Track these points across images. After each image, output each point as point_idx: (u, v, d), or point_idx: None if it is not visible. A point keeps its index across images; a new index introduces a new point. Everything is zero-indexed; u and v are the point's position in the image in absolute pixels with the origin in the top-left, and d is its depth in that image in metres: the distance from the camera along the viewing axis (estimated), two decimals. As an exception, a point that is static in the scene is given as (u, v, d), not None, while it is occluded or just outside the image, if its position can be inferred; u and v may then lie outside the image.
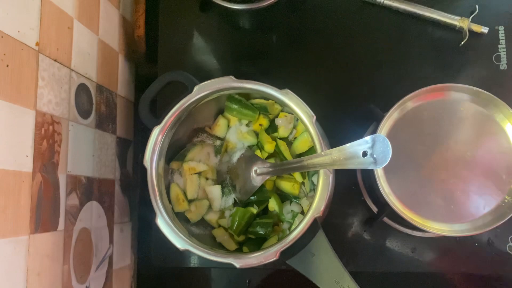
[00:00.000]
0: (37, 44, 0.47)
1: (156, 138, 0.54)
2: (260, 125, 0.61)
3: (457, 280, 0.64)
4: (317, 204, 0.51)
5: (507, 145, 0.55)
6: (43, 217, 0.47)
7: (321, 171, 0.51)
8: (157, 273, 0.72)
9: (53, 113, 0.49)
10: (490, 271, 0.62)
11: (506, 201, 0.54)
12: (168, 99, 0.55)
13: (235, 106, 0.59)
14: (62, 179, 0.51)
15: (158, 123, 0.54)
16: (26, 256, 0.44)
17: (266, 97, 0.56)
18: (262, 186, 0.59)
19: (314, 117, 0.52)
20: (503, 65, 0.64)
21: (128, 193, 0.70)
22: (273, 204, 0.59)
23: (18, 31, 0.44)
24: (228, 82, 0.54)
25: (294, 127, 0.61)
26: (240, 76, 0.55)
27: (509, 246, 0.62)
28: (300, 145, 0.59)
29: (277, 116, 0.61)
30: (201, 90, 0.54)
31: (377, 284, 0.65)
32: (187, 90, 0.54)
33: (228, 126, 0.62)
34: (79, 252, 0.54)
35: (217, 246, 0.60)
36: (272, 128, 0.61)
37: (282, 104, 0.55)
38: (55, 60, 0.50)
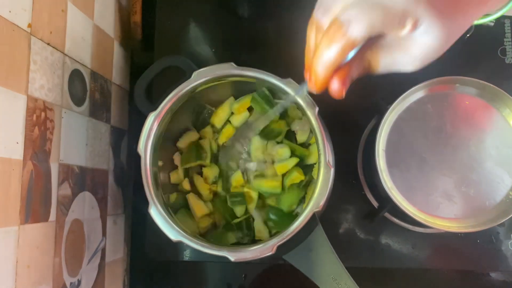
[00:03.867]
0: (29, 26, 0.45)
1: (152, 124, 0.52)
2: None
3: (458, 277, 0.64)
4: (317, 199, 0.49)
5: (513, 140, 0.54)
6: (34, 207, 0.45)
7: (322, 165, 0.50)
8: (151, 266, 0.70)
9: (45, 99, 0.47)
10: (492, 268, 0.62)
11: (510, 197, 0.53)
12: (164, 86, 0.53)
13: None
14: (54, 168, 0.49)
15: (154, 109, 0.52)
16: (15, 247, 0.42)
17: (269, 86, 0.55)
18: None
19: (317, 108, 0.50)
20: (509, 59, 0.63)
21: (122, 185, 0.68)
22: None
23: (10, 11, 0.41)
24: (229, 69, 0.52)
25: (311, 130, 0.59)
26: (239, 65, 0.53)
27: (511, 243, 0.61)
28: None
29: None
30: (200, 76, 0.52)
31: (377, 280, 0.64)
32: (185, 76, 0.53)
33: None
34: (71, 244, 0.52)
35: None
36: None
37: (284, 94, 0.54)
38: (48, 44, 0.48)
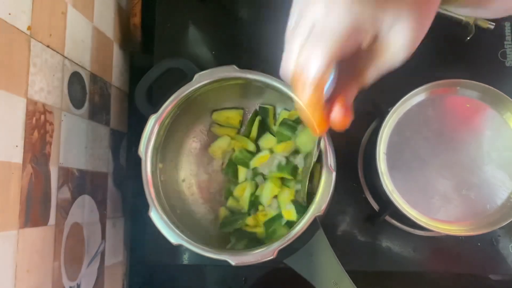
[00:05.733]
0: (29, 28, 0.44)
1: (152, 127, 0.52)
2: None
3: (458, 280, 0.63)
4: (318, 203, 0.49)
5: (514, 143, 0.54)
6: (34, 211, 0.45)
7: (324, 169, 0.50)
8: (150, 270, 0.70)
9: (45, 102, 0.47)
10: (493, 271, 0.61)
11: (511, 200, 0.53)
12: (165, 88, 0.53)
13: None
14: (54, 171, 0.49)
15: (155, 112, 0.52)
16: (15, 252, 0.41)
17: (273, 89, 0.54)
18: None
19: (319, 112, 0.50)
20: (509, 62, 0.63)
21: (121, 187, 0.68)
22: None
23: (9, 14, 0.41)
24: (231, 72, 0.52)
25: None
26: (240, 67, 0.53)
27: (512, 247, 0.61)
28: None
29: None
30: (201, 79, 0.52)
31: (377, 284, 0.64)
32: (186, 79, 0.52)
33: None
34: (70, 248, 0.52)
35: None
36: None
37: (287, 97, 0.54)
38: (48, 46, 0.48)
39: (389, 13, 0.30)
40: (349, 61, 0.34)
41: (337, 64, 0.34)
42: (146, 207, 0.52)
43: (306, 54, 0.32)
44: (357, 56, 0.34)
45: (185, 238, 0.50)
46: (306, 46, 0.32)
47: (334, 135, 0.53)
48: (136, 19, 0.68)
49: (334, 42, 0.31)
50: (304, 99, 0.34)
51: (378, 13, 0.30)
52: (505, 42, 0.63)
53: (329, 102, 0.36)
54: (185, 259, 0.65)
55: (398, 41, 0.32)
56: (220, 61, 0.67)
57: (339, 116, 0.36)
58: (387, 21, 0.31)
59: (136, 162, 0.53)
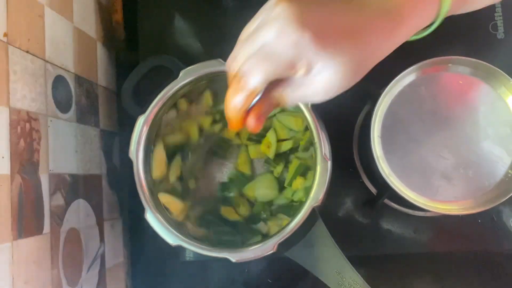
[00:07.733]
0: (5, 35, 0.43)
1: (141, 128, 0.51)
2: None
3: (459, 258, 0.63)
4: (315, 193, 0.49)
5: (509, 118, 0.53)
6: (26, 221, 0.44)
7: (318, 160, 0.49)
8: (153, 268, 0.70)
9: (29, 109, 0.46)
10: (493, 247, 0.61)
11: (509, 175, 0.52)
12: (152, 86, 0.52)
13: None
14: (44, 179, 0.48)
15: (143, 112, 0.51)
16: (10, 264, 0.41)
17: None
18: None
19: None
20: (500, 34, 0.62)
21: (116, 188, 0.67)
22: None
23: (-17, 22, 0.40)
24: (217, 66, 0.51)
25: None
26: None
27: (512, 222, 0.61)
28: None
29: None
30: (187, 75, 0.51)
31: (380, 267, 0.64)
32: (172, 76, 0.51)
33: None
34: (68, 254, 0.51)
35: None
36: None
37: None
38: (27, 52, 0.46)
39: (322, 59, 0.34)
40: (278, 82, 0.37)
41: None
42: (143, 205, 0.51)
43: (250, 66, 0.36)
44: (285, 80, 0.38)
45: (183, 238, 0.50)
46: (252, 59, 0.36)
47: (327, 122, 0.52)
48: (118, 16, 0.67)
49: (274, 67, 0.35)
50: (232, 100, 0.38)
51: (315, 56, 0.34)
52: (495, 14, 0.62)
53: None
54: (187, 255, 0.65)
55: (320, 84, 0.36)
56: (208, 53, 0.66)
57: (251, 124, 0.40)
58: (319, 66, 0.35)
59: (129, 161, 0.53)
